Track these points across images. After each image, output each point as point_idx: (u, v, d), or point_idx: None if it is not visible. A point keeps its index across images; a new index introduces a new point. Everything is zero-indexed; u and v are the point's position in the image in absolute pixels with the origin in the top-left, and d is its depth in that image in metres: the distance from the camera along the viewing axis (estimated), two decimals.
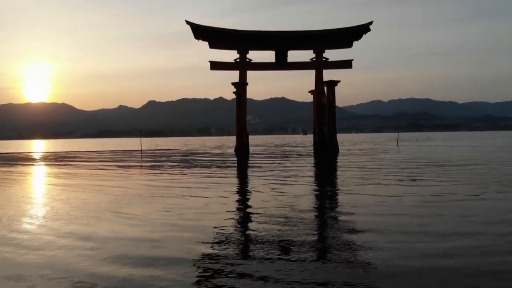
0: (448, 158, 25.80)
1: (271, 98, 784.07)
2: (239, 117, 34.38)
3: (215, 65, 35.17)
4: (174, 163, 25.38)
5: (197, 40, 35.20)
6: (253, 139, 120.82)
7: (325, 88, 34.62)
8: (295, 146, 53.26)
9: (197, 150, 45.56)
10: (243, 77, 34.72)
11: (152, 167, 22.68)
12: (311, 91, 37.91)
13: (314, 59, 35.74)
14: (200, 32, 34.57)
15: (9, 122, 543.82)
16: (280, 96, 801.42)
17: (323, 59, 35.59)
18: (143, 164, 25.80)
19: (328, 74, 35.77)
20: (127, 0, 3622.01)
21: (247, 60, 35.22)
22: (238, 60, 35.13)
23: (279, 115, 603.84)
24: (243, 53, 35.06)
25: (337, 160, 25.82)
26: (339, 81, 33.72)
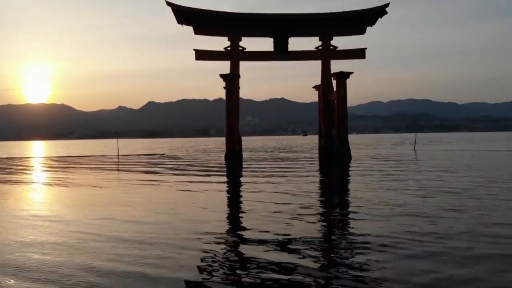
0: None
1: (270, 99, 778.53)
2: (229, 117, 28.42)
3: (201, 54, 29.34)
4: (119, 184, 18.01)
5: (181, 25, 29.61)
6: (252, 141, 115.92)
7: (334, 81, 28.66)
8: (296, 151, 47.17)
9: (183, 156, 39.49)
10: (234, 68, 28.85)
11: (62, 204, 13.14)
12: (315, 87, 32.13)
13: (320, 48, 29.92)
14: (183, 14, 28.74)
15: (8, 123, 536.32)
16: (279, 97, 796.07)
17: (331, 47, 29.77)
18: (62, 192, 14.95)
19: (332, 68, 29.85)
20: (127, 0, 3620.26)
21: (240, 48, 29.43)
22: (229, 48, 29.33)
23: (279, 116, 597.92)
24: (235, 40, 29.27)
25: (352, 178, 19.86)
26: (351, 73, 27.52)
